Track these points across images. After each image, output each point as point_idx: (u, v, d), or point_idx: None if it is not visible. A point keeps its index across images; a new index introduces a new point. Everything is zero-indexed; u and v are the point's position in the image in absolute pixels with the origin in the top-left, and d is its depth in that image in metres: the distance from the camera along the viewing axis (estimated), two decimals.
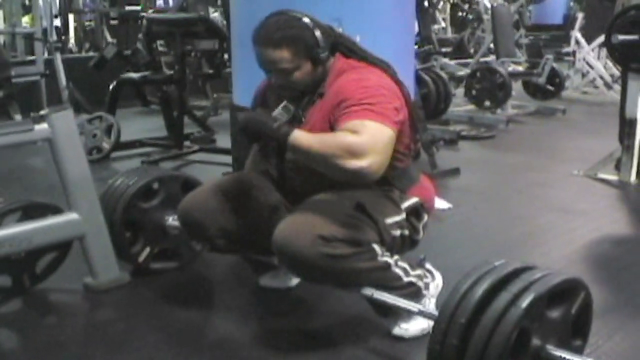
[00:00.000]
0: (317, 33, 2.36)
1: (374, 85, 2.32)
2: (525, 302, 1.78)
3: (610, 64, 8.31)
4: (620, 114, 4.90)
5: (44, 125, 2.69)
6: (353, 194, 2.37)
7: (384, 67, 2.46)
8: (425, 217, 2.55)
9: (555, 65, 8.11)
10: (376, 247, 2.34)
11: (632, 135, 4.66)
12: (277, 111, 2.42)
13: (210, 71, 7.14)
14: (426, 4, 9.51)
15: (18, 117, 6.11)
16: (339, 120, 2.27)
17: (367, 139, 2.17)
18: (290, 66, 2.34)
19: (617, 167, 4.83)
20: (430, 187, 2.66)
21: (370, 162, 2.15)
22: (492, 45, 8.02)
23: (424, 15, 8.92)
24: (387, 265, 2.35)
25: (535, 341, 1.84)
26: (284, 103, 2.43)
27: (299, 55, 2.33)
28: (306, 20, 2.37)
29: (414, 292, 2.43)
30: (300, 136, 2.20)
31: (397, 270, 2.37)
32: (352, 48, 2.48)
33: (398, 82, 2.43)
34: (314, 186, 2.44)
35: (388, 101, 2.30)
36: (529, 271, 1.91)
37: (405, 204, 2.47)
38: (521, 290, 1.82)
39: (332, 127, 2.32)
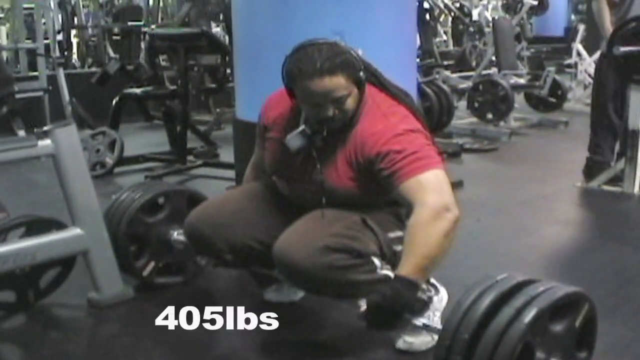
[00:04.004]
0: (357, 56, 2.33)
1: (405, 132, 2.31)
2: (528, 317, 1.78)
3: None
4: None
5: (47, 141, 2.69)
6: (358, 212, 2.39)
7: (404, 99, 2.45)
8: None
9: (557, 77, 8.11)
10: (376, 260, 2.34)
11: (635, 146, 4.65)
12: (293, 135, 2.39)
13: (213, 86, 7.16)
14: (428, 17, 9.53)
15: (21, 132, 6.13)
16: (392, 178, 2.27)
17: (435, 198, 2.20)
18: (346, 92, 2.28)
19: (619, 179, 4.82)
20: None
21: (451, 205, 2.21)
22: (494, 58, 8.04)
23: (426, 29, 8.94)
24: (388, 279, 2.33)
25: (540, 355, 1.83)
26: (302, 127, 2.39)
27: (350, 80, 2.28)
28: (343, 44, 2.32)
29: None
30: (414, 270, 2.16)
31: None
32: (376, 75, 2.45)
33: (419, 118, 2.42)
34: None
35: (424, 141, 2.32)
36: (532, 285, 1.90)
37: None
38: (524, 305, 1.81)
39: (355, 169, 2.36)
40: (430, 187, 2.23)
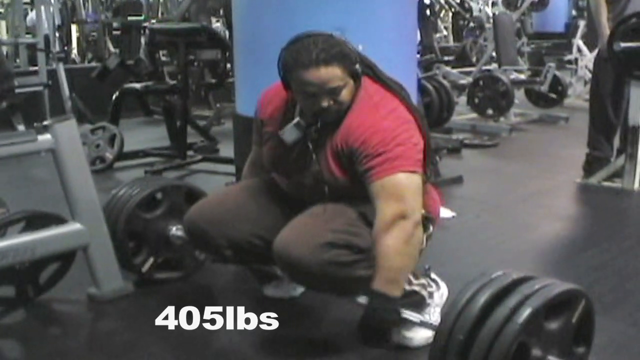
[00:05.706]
0: (353, 48, 2.33)
1: (389, 127, 2.29)
2: (522, 317, 1.77)
3: None
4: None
5: (47, 136, 2.69)
6: (357, 205, 2.38)
7: (399, 92, 2.43)
8: (430, 229, 2.51)
9: (557, 73, 8.10)
10: None
11: (635, 142, 4.65)
12: (288, 127, 2.40)
13: (213, 81, 7.15)
14: (428, 12, 9.53)
15: (21, 127, 6.11)
16: (364, 176, 2.28)
17: (392, 205, 2.22)
18: (342, 83, 2.28)
19: (620, 175, 4.82)
20: (437, 198, 2.63)
21: (409, 210, 2.23)
22: (494, 54, 8.03)
23: (426, 24, 8.95)
24: None
25: (536, 353, 1.83)
26: (297, 120, 2.40)
27: (346, 71, 2.28)
28: (338, 36, 2.32)
29: (417, 301, 2.44)
30: (384, 283, 2.21)
31: None
32: (372, 67, 2.44)
33: (412, 111, 2.40)
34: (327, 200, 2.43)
35: (406, 138, 2.29)
36: (527, 282, 1.89)
37: None
38: (518, 305, 1.80)
39: (341, 160, 2.35)
40: (393, 191, 2.24)
